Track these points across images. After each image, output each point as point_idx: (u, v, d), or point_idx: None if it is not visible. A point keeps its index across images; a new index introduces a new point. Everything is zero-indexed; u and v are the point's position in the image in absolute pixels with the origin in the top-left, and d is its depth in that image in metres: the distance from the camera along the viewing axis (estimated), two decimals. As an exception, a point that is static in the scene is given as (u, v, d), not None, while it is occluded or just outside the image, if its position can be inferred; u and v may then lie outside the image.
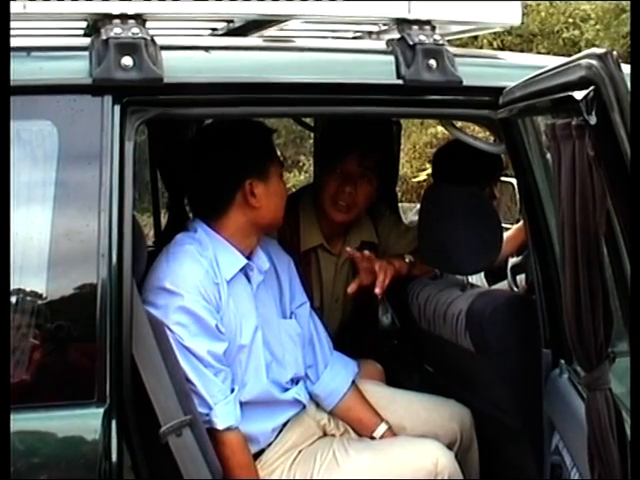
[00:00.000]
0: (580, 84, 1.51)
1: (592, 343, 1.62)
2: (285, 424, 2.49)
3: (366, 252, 2.77)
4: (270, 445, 2.45)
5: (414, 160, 11.27)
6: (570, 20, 11.73)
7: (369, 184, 2.92)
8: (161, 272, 2.25)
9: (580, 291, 1.60)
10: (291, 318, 2.55)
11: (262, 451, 2.43)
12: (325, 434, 2.60)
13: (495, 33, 10.70)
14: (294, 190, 3.39)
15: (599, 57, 1.48)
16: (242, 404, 2.32)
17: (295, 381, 2.52)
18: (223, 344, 2.27)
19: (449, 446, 2.53)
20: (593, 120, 1.47)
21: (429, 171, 7.46)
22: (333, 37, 2.58)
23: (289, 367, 2.48)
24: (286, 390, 2.48)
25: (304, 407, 2.53)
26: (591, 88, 1.47)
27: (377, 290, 2.69)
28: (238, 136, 2.40)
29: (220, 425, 2.23)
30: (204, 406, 2.21)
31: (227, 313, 2.31)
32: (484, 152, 2.34)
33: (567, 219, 1.58)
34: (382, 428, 2.55)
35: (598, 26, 11.22)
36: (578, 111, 1.50)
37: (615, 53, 1.47)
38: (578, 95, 1.49)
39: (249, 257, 2.42)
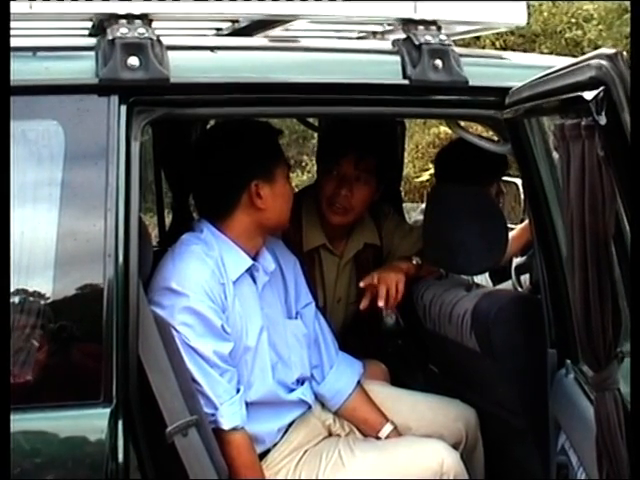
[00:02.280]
0: (590, 84, 1.50)
1: (601, 343, 1.62)
2: (291, 424, 2.49)
3: (376, 277, 2.78)
4: (275, 445, 2.45)
5: (417, 160, 11.26)
6: (573, 20, 11.74)
7: (366, 187, 2.89)
8: (167, 272, 2.25)
9: (589, 291, 1.59)
10: (297, 318, 2.55)
11: (267, 451, 2.43)
12: (330, 434, 2.60)
13: (497, 33, 10.71)
14: (297, 190, 3.39)
15: (609, 57, 1.47)
16: (248, 404, 2.32)
17: (301, 381, 2.52)
18: (229, 344, 2.27)
19: (454, 446, 2.53)
20: (603, 120, 1.46)
21: (432, 171, 7.45)
22: (338, 37, 2.58)
23: (295, 368, 2.48)
24: (292, 391, 2.48)
25: (310, 407, 2.53)
26: (601, 88, 1.47)
27: (389, 310, 2.77)
28: (244, 137, 2.39)
29: (226, 425, 2.23)
30: (210, 406, 2.21)
31: (233, 313, 2.31)
32: (487, 151, 2.34)
33: (576, 219, 1.58)
34: (388, 428, 2.55)
35: (601, 26, 11.24)
36: (587, 111, 1.50)
37: (625, 53, 1.47)
38: (588, 95, 1.49)
39: (255, 258, 2.42)
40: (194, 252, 2.30)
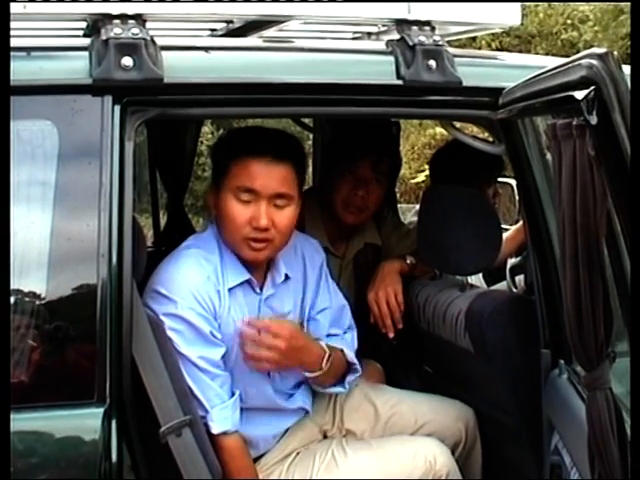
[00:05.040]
0: (581, 84, 1.51)
1: (592, 343, 1.62)
2: (287, 429, 2.48)
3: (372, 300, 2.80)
4: (270, 450, 2.44)
5: (412, 161, 11.28)
6: (568, 21, 11.76)
7: (380, 187, 2.95)
8: (160, 276, 2.23)
9: (580, 291, 1.60)
10: (309, 323, 2.48)
11: (261, 455, 2.42)
12: (325, 438, 2.58)
13: (493, 34, 10.73)
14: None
15: (600, 57, 1.48)
16: (245, 408, 2.31)
17: (299, 384, 2.49)
18: (219, 349, 2.24)
19: (454, 447, 2.53)
20: (594, 120, 1.47)
21: (428, 172, 7.46)
22: (332, 38, 2.58)
23: (292, 375, 2.44)
24: (290, 396, 2.46)
25: (307, 412, 2.52)
26: (592, 88, 1.48)
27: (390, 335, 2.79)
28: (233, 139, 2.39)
29: (215, 429, 2.21)
30: (201, 409, 2.20)
31: (227, 320, 2.27)
32: (482, 153, 2.34)
33: (568, 219, 1.58)
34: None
35: (596, 27, 11.26)
36: (579, 111, 1.50)
37: (615, 53, 1.47)
38: (579, 95, 1.49)
39: (258, 269, 2.35)
40: (191, 256, 2.27)
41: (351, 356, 2.48)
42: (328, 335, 2.50)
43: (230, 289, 2.29)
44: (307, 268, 2.49)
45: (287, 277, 2.41)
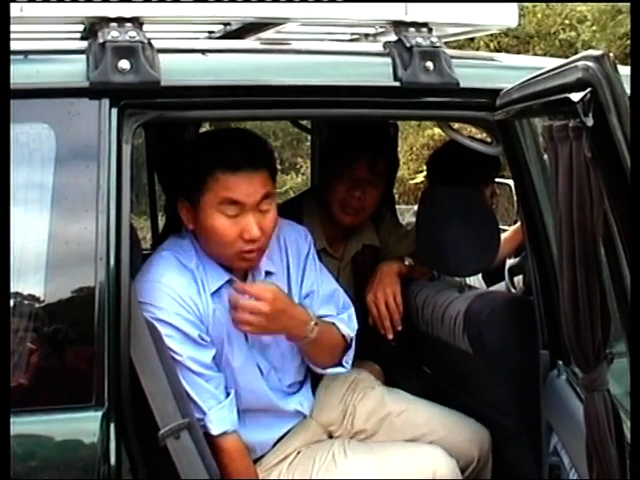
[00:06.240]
0: (577, 86, 1.51)
1: (590, 344, 1.62)
2: (288, 431, 2.47)
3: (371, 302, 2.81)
4: (271, 451, 2.43)
5: (411, 162, 11.28)
6: (566, 22, 11.77)
7: (377, 189, 2.94)
8: (142, 283, 2.19)
9: (578, 292, 1.60)
10: None
11: (263, 456, 2.42)
12: (331, 437, 2.57)
13: (491, 35, 10.73)
14: (292, 193, 3.39)
15: (596, 59, 1.48)
16: (242, 411, 2.31)
17: (298, 383, 2.49)
18: (210, 351, 2.24)
19: (464, 467, 2.48)
20: (590, 122, 1.47)
21: (426, 173, 7.45)
22: (330, 39, 2.58)
23: (289, 374, 2.45)
24: (288, 395, 2.45)
25: (305, 417, 2.50)
26: (588, 90, 1.48)
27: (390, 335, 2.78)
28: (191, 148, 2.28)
29: (215, 430, 2.21)
30: (198, 411, 2.19)
31: (214, 323, 2.26)
32: (479, 154, 2.34)
33: (565, 220, 1.58)
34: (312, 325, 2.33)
35: (594, 27, 11.27)
36: (575, 113, 1.51)
37: (612, 55, 1.47)
38: (575, 97, 1.49)
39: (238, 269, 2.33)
40: (171, 262, 2.25)
41: (345, 330, 2.44)
42: (319, 317, 2.42)
43: (214, 293, 2.27)
44: (290, 260, 2.45)
45: (268, 273, 2.38)
